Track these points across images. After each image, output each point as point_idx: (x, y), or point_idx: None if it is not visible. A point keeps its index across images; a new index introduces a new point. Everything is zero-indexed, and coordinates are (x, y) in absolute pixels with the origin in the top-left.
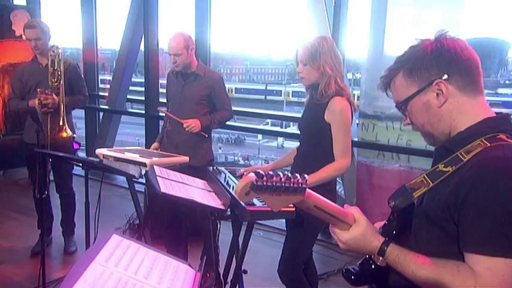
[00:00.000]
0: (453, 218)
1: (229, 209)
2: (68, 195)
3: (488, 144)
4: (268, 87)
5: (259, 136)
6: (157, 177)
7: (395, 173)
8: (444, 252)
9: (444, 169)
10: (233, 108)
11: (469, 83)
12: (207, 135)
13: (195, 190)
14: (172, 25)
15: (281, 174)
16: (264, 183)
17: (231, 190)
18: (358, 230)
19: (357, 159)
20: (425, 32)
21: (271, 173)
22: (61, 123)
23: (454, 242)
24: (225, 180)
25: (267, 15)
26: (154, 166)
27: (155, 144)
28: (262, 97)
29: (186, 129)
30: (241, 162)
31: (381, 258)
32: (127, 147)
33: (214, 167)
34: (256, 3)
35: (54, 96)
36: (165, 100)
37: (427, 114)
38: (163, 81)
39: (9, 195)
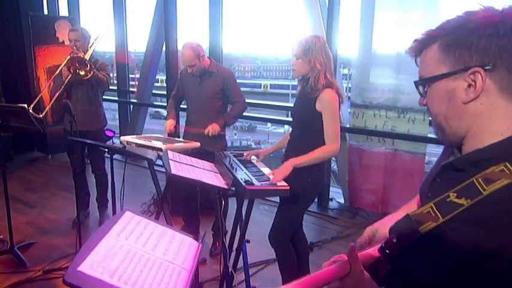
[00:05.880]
0: (473, 275)
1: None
2: (101, 176)
3: None
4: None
5: (269, 124)
6: (170, 161)
7: (382, 154)
8: None
9: (457, 201)
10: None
11: None
12: (223, 133)
13: (202, 172)
14: (190, 29)
15: None
16: None
17: (233, 171)
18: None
19: (349, 143)
20: (407, 33)
21: None
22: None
23: None
24: (229, 163)
25: (271, 17)
26: (168, 151)
27: (172, 121)
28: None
29: (209, 135)
30: (254, 146)
31: None
32: (148, 135)
33: (220, 151)
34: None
35: (82, 53)
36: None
37: (446, 105)
38: None
39: (55, 175)
